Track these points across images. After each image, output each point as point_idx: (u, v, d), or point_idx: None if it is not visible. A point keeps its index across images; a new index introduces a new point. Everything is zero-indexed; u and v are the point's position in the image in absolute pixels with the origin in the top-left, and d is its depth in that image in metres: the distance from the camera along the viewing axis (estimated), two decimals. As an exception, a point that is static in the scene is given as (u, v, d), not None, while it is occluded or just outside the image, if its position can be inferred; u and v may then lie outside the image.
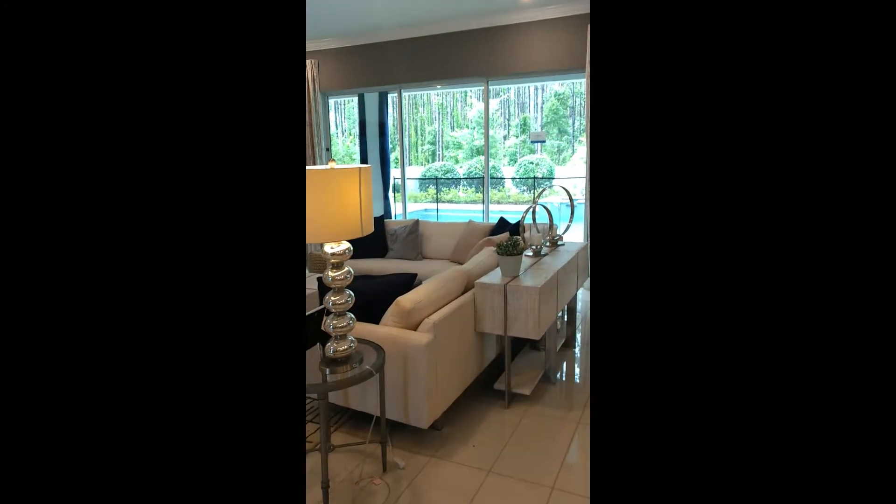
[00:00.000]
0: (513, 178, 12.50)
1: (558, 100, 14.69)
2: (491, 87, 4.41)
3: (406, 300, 2.08)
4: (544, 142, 13.57)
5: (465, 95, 14.76)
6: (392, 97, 5.05)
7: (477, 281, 2.38)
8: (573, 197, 3.22)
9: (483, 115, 4.74)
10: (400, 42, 4.70)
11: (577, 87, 12.63)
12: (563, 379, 2.73)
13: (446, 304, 2.23)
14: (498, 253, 2.43)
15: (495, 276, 2.42)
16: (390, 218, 5.25)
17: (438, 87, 4.77)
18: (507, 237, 2.48)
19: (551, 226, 3.01)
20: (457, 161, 14.20)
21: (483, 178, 4.84)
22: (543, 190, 3.10)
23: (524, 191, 12.03)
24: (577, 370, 2.83)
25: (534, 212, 2.95)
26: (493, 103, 14.35)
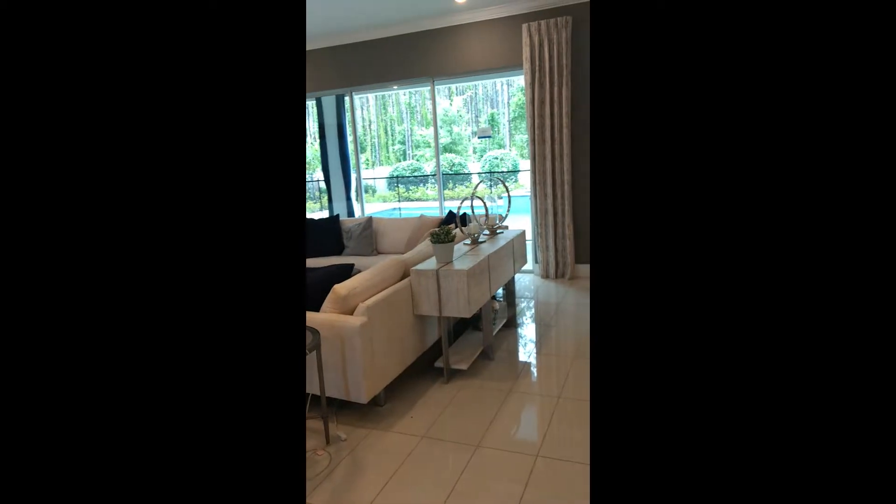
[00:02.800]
0: (478, 174, 12.75)
1: (524, 95, 14.94)
2: (455, 86, 4.60)
3: (341, 287, 2.28)
4: (490, 137, 13.88)
5: (430, 95, 14.87)
6: (356, 98, 5.23)
7: (412, 268, 2.59)
8: (510, 190, 3.45)
9: (448, 113, 4.92)
10: (351, 46, 4.88)
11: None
12: (503, 356, 2.96)
13: (382, 290, 2.44)
14: (432, 241, 2.64)
15: (431, 263, 2.63)
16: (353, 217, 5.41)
17: (395, 87, 4.96)
18: (441, 227, 2.69)
19: (487, 216, 3.24)
20: (425, 159, 14.39)
21: (445, 174, 5.05)
22: (479, 183, 3.32)
23: (491, 185, 12.30)
24: (518, 347, 3.06)
25: (472, 203, 3.17)
26: (458, 101, 14.55)
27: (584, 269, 4.41)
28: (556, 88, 4.06)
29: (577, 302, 3.77)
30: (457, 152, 14.15)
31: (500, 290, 3.61)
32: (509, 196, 3.39)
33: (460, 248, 2.94)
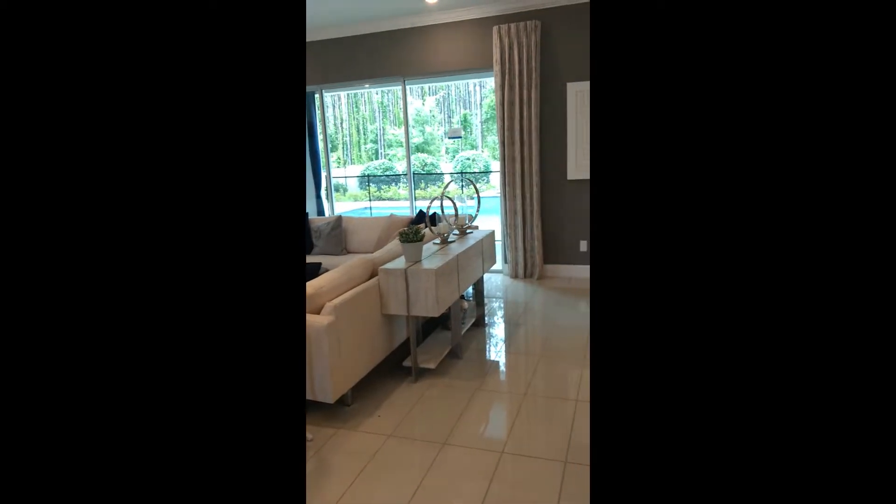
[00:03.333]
0: (450, 174, 12.80)
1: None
2: (427, 86, 4.59)
3: (308, 286, 2.25)
4: (461, 137, 14.01)
5: (402, 94, 14.84)
6: (327, 96, 5.17)
7: (380, 267, 2.58)
8: (479, 190, 3.48)
9: (420, 113, 4.91)
10: (321, 43, 4.82)
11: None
12: (472, 355, 2.98)
13: (349, 289, 2.43)
14: (400, 241, 2.64)
15: (400, 263, 2.63)
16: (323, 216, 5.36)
17: (367, 86, 4.93)
18: (409, 227, 2.70)
19: (456, 216, 3.26)
20: (397, 158, 14.35)
21: (417, 174, 5.05)
22: (449, 183, 3.35)
23: (462, 186, 12.37)
24: (486, 346, 3.09)
25: (441, 203, 3.19)
26: (430, 101, 14.55)
27: (553, 269, 4.49)
28: (525, 91, 4.12)
29: (544, 301, 3.84)
30: (429, 152, 14.15)
31: (470, 290, 3.64)
32: (479, 197, 3.42)
33: (429, 247, 2.96)
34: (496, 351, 3.01)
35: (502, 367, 2.78)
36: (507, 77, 4.15)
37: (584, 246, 4.37)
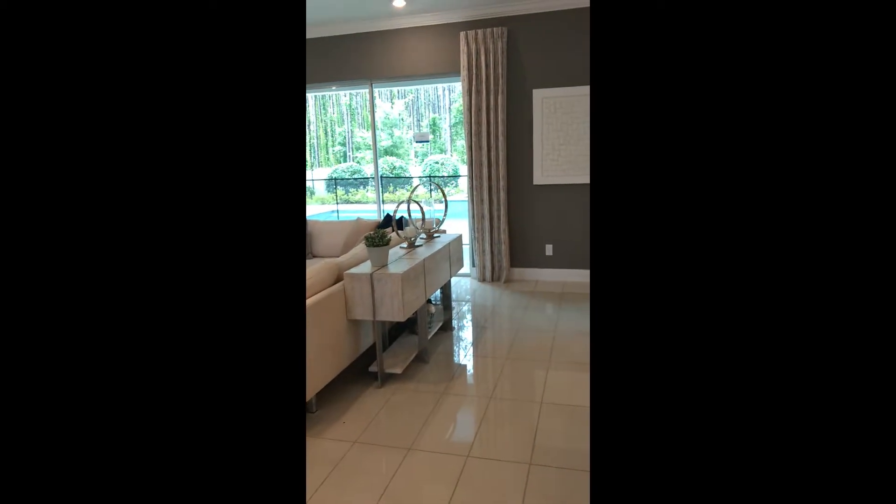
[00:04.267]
0: (419, 178, 12.80)
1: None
2: (396, 89, 4.57)
3: (271, 292, 2.21)
4: (428, 141, 14.07)
5: (369, 96, 14.77)
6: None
7: (346, 272, 2.56)
8: (447, 195, 3.49)
9: (389, 117, 4.88)
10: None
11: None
12: (439, 359, 2.98)
13: (314, 294, 2.39)
14: (367, 245, 2.62)
15: (365, 267, 2.61)
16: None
17: (334, 88, 4.88)
18: (375, 231, 2.68)
19: (423, 220, 3.26)
20: (366, 161, 14.25)
21: (385, 177, 5.02)
22: (417, 187, 3.34)
23: (430, 189, 12.40)
24: (453, 350, 3.10)
25: (409, 207, 3.18)
26: (399, 104, 14.53)
27: (519, 273, 4.54)
28: (492, 96, 4.16)
29: (511, 304, 3.88)
30: (398, 155, 14.11)
31: (437, 293, 3.64)
32: (446, 201, 3.43)
33: (396, 251, 2.94)
34: (463, 355, 3.02)
35: (469, 371, 2.79)
36: (474, 82, 4.19)
37: (549, 250, 4.44)
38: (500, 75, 4.10)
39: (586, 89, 4.05)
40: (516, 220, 4.46)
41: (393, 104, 14.29)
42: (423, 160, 14.13)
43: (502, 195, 4.31)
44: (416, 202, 3.23)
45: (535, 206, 4.39)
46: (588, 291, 4.11)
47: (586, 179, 4.20)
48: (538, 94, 4.17)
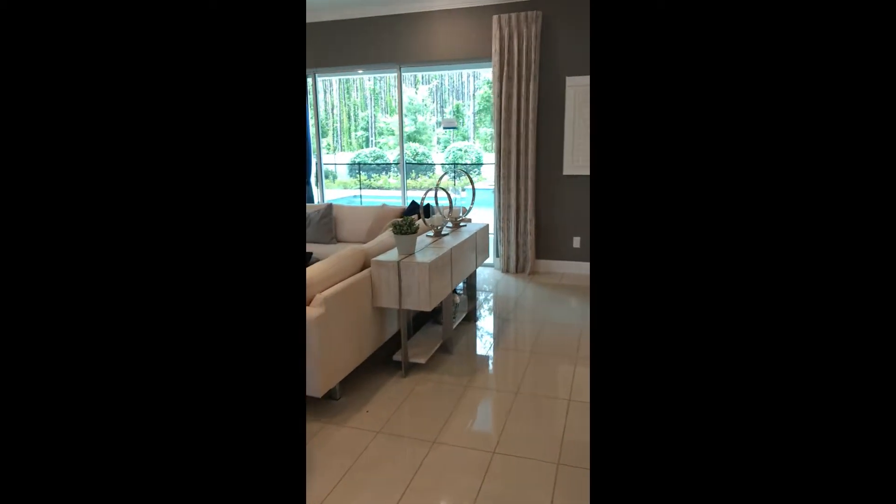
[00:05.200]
0: (442, 165, 12.70)
1: (491, 88, 14.99)
2: (421, 74, 4.50)
3: (298, 277, 2.18)
4: (455, 128, 13.88)
5: (396, 81, 14.66)
6: (320, 81, 5.03)
7: (373, 259, 2.51)
8: (474, 182, 3.42)
9: (413, 102, 4.81)
10: (317, 26, 4.69)
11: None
12: (462, 350, 2.94)
13: (340, 280, 2.36)
14: (394, 232, 2.57)
15: (392, 255, 2.56)
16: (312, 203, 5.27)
17: (360, 71, 4.81)
18: (403, 218, 2.63)
19: (451, 208, 3.20)
20: (388, 147, 14.19)
21: (408, 163, 4.96)
22: (444, 175, 3.27)
23: (454, 177, 12.31)
24: (477, 342, 3.05)
25: (436, 195, 3.12)
26: (423, 90, 14.39)
27: (544, 265, 4.46)
28: (524, 83, 4.05)
29: (535, 297, 3.80)
30: (421, 142, 14.01)
31: (461, 284, 3.59)
32: (474, 189, 3.36)
33: (423, 239, 2.89)
34: (487, 347, 2.97)
35: (493, 364, 2.74)
36: (505, 68, 4.07)
37: (577, 242, 4.34)
38: (533, 61, 3.98)
39: (622, 77, 3.91)
40: (544, 210, 4.36)
41: (417, 89, 14.16)
42: (445, 147, 14.01)
43: (530, 185, 4.21)
44: (444, 190, 3.16)
45: (564, 196, 4.28)
46: (615, 286, 4.01)
47: (618, 171, 4.07)
48: (571, 82, 4.04)
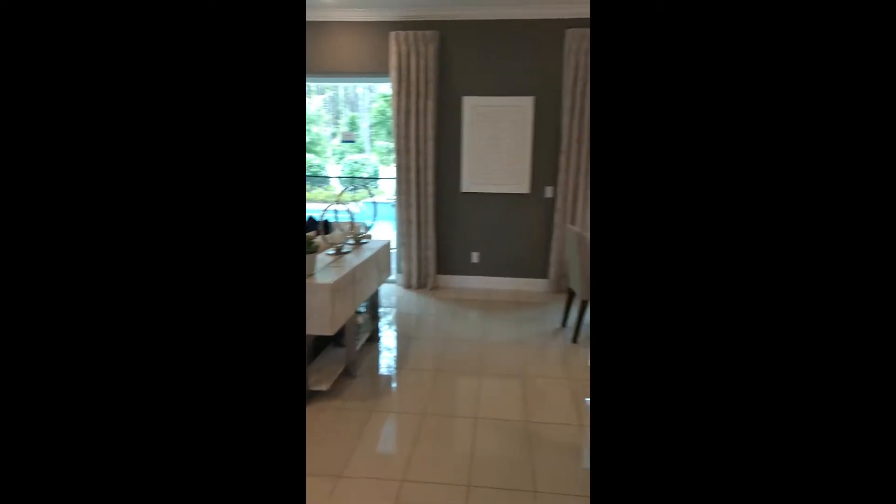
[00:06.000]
0: (339, 178, 12.40)
1: (386, 102, 14.99)
2: (315, 85, 4.29)
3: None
4: (353, 142, 13.77)
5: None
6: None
7: (268, 281, 2.33)
8: (374, 196, 3.35)
9: (307, 112, 4.58)
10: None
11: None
12: (366, 373, 2.83)
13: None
14: (291, 252, 2.41)
15: (289, 276, 2.40)
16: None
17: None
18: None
19: (352, 225, 3.10)
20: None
21: (296, 176, 4.72)
22: (346, 189, 3.17)
23: (352, 190, 12.07)
24: (381, 363, 2.96)
25: (336, 210, 2.99)
26: (317, 100, 13.98)
27: (445, 280, 4.50)
28: (422, 100, 4.08)
29: (437, 312, 3.81)
30: (315, 153, 13.55)
31: (364, 303, 3.48)
32: (375, 204, 3.29)
33: (323, 258, 2.75)
34: (391, 368, 2.90)
35: (398, 386, 2.67)
36: (403, 84, 4.08)
37: (475, 257, 4.45)
38: (431, 79, 4.04)
39: (516, 100, 4.11)
40: (444, 226, 4.41)
41: (311, 99, 13.70)
42: (341, 159, 13.70)
43: (430, 201, 4.24)
44: (344, 205, 3.05)
45: (462, 213, 4.38)
46: (513, 299, 4.17)
47: (514, 189, 4.26)
48: (468, 102, 4.16)
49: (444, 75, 4.16)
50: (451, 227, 4.41)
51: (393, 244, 4.38)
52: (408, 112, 4.13)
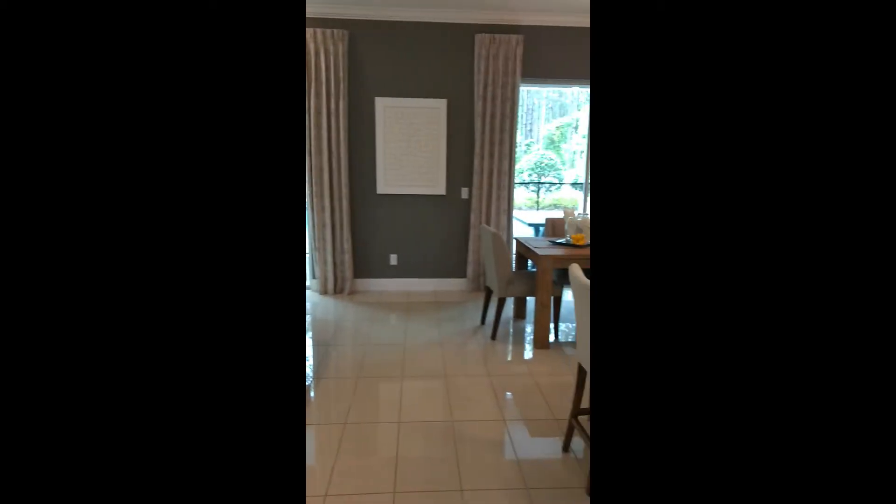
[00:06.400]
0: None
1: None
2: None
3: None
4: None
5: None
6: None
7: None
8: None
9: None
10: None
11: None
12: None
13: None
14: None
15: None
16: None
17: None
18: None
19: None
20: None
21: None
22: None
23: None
24: (297, 373, 2.82)
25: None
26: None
27: (363, 284, 4.42)
28: (332, 101, 3.97)
29: (356, 318, 3.73)
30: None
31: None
32: (286, 209, 3.14)
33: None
34: (308, 378, 2.78)
35: (317, 395, 2.57)
36: (314, 84, 3.94)
37: (394, 259, 4.42)
38: (342, 79, 3.94)
39: (429, 101, 4.13)
40: (360, 229, 4.33)
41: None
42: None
43: (345, 203, 4.14)
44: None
45: (379, 215, 4.32)
46: (433, 300, 4.19)
47: (431, 190, 4.28)
48: (381, 103, 4.11)
49: (356, 75, 4.08)
50: (368, 230, 4.33)
51: (308, 248, 4.22)
52: (318, 112, 4.00)
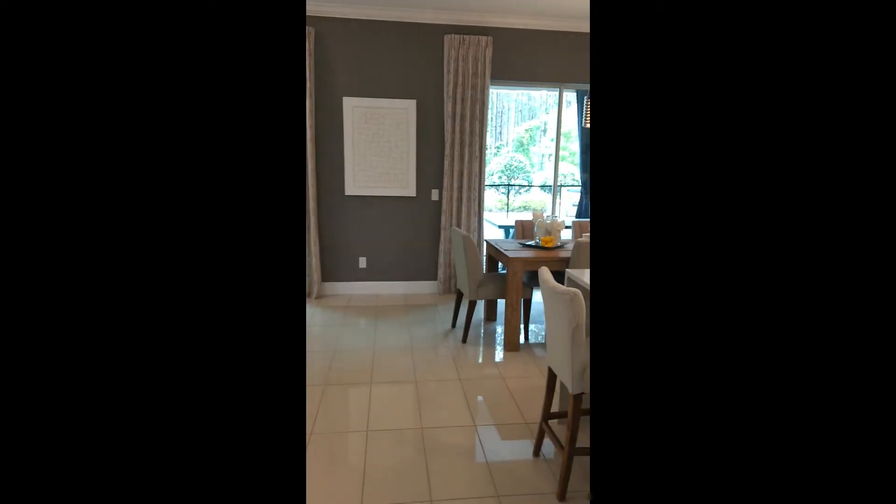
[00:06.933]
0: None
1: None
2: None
3: None
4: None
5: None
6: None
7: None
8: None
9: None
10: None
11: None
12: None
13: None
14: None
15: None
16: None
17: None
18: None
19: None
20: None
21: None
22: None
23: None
24: (261, 381, 2.72)
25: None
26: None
27: (332, 287, 4.32)
28: (299, 99, 3.87)
29: (323, 322, 3.63)
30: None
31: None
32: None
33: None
34: (274, 386, 2.68)
35: (283, 405, 2.47)
36: (278, 82, 3.83)
37: (363, 262, 4.33)
38: (308, 78, 3.84)
39: (399, 102, 4.08)
40: (328, 231, 4.23)
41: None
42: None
43: (312, 205, 4.04)
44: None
45: (348, 217, 4.23)
46: (403, 303, 4.12)
47: (401, 192, 4.22)
48: (348, 103, 4.03)
49: (322, 74, 3.99)
50: (336, 233, 4.24)
51: (272, 252, 4.09)
52: (284, 111, 3.89)
